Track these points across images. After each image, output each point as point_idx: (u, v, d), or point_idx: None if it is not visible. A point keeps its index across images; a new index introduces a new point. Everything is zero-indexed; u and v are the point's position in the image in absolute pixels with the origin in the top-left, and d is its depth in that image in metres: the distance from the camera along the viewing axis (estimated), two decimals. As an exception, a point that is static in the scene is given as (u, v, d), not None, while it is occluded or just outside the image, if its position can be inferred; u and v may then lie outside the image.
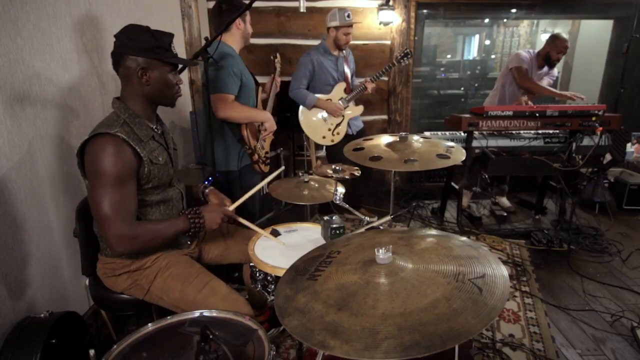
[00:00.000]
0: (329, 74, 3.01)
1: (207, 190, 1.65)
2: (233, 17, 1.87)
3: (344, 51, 3.04)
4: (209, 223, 1.43)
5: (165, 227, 1.36)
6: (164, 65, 1.35)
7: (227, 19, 2.09)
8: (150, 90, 1.35)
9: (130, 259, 1.39)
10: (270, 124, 2.21)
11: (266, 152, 2.33)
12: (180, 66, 1.49)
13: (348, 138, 3.02)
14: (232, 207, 1.57)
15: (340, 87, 3.06)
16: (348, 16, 2.84)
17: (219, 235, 1.71)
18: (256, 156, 2.20)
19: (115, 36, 1.32)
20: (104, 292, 1.46)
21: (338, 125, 3.08)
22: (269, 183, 1.84)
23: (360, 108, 3.17)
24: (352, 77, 3.14)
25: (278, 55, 2.57)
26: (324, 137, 3.09)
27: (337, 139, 3.09)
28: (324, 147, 3.25)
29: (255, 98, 2.28)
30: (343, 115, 3.07)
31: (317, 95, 3.00)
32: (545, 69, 3.27)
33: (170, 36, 1.37)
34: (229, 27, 2.04)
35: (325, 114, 3.05)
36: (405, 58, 3.02)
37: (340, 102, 3.04)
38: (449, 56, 5.72)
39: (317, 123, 3.07)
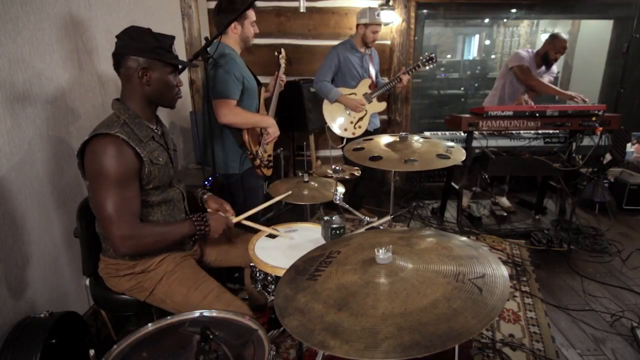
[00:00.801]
0: (354, 69, 3.04)
1: (205, 197, 1.65)
2: (229, 20, 1.86)
3: (369, 50, 3.09)
4: (213, 231, 1.45)
5: (170, 231, 1.36)
6: (165, 66, 1.35)
7: (224, 18, 2.07)
8: (151, 90, 1.35)
9: (134, 261, 1.39)
10: (274, 129, 2.18)
11: (269, 156, 2.30)
12: (180, 67, 1.49)
13: (366, 134, 3.05)
14: (235, 220, 1.57)
15: (366, 82, 3.10)
16: (378, 15, 2.91)
17: (221, 237, 1.70)
18: (258, 161, 2.18)
19: (117, 37, 1.32)
20: (104, 292, 1.46)
21: (360, 119, 3.12)
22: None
23: (383, 104, 3.19)
24: (376, 75, 3.18)
25: (283, 51, 2.52)
26: (345, 130, 3.12)
27: (358, 132, 3.12)
28: (344, 141, 3.23)
29: (258, 99, 2.26)
30: (366, 110, 3.11)
31: (341, 89, 3.02)
32: (544, 68, 3.27)
33: (171, 38, 1.38)
34: (226, 30, 2.03)
35: None
36: (429, 62, 3.01)
37: (363, 97, 3.08)
38: (449, 56, 5.72)
39: (340, 115, 3.11)
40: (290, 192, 1.84)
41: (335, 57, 2.99)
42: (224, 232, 1.49)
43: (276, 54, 2.51)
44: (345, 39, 3.12)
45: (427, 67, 3.05)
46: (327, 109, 3.12)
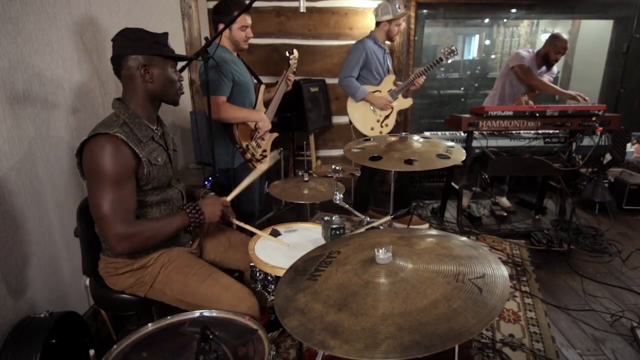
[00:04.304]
0: (379, 64, 2.99)
1: (206, 197, 1.64)
2: (223, 27, 1.87)
3: (387, 48, 3.08)
4: (209, 216, 1.44)
5: (165, 224, 1.36)
6: (164, 61, 1.36)
7: (216, 19, 2.16)
8: (154, 87, 1.35)
9: (132, 259, 1.39)
10: (264, 123, 2.23)
11: (264, 151, 2.32)
12: (179, 62, 1.49)
13: (393, 131, 3.06)
14: (229, 198, 1.56)
15: (390, 79, 3.05)
16: (399, 7, 2.88)
17: (220, 238, 1.71)
18: (248, 155, 2.22)
19: (112, 40, 1.33)
20: (104, 291, 1.46)
21: (387, 117, 3.07)
22: (267, 176, 1.80)
23: (409, 100, 3.15)
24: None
25: (295, 52, 2.47)
26: (372, 129, 3.06)
27: (386, 130, 3.07)
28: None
29: (254, 97, 2.28)
30: (392, 108, 3.07)
31: (368, 88, 2.97)
32: (544, 68, 3.27)
33: (165, 34, 1.38)
34: (218, 30, 2.05)
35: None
36: (451, 55, 2.95)
37: (389, 94, 3.04)
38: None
39: (366, 114, 3.04)
40: (277, 156, 1.81)
41: (362, 50, 2.90)
42: (223, 214, 1.48)
43: (287, 54, 2.48)
44: (345, 38, 3.09)
45: (450, 60, 2.98)
46: (352, 107, 3.03)
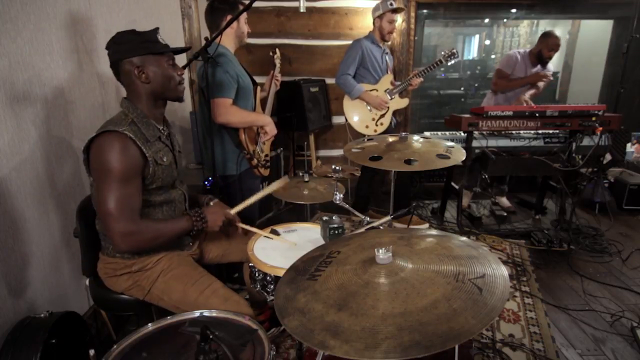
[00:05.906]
0: (376, 63, 3.01)
1: (212, 203, 1.64)
2: (232, 18, 1.85)
3: (386, 48, 3.08)
4: (211, 224, 1.45)
5: (168, 226, 1.36)
6: (158, 58, 1.34)
7: (218, 17, 2.06)
8: (152, 87, 1.35)
9: (131, 260, 1.39)
10: (271, 127, 2.16)
11: (266, 155, 2.29)
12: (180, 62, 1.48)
13: (388, 131, 3.06)
14: (233, 211, 1.57)
15: (387, 78, 3.06)
16: (391, 4, 2.89)
17: (220, 234, 1.71)
18: (255, 161, 2.16)
19: (106, 48, 1.33)
20: (104, 292, 1.46)
21: (382, 116, 3.07)
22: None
23: (406, 101, 3.16)
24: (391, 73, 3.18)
25: (277, 51, 2.51)
26: (367, 127, 3.07)
27: (380, 129, 3.07)
28: (365, 139, 3.22)
29: (253, 99, 2.26)
30: (388, 107, 3.07)
31: (364, 86, 2.98)
32: (539, 66, 3.27)
33: (154, 30, 1.36)
34: (223, 26, 2.01)
35: None
36: (451, 57, 2.94)
37: (386, 93, 3.05)
38: (449, 56, 5.71)
39: (361, 112, 3.06)
40: (286, 180, 1.82)
41: (359, 48, 2.93)
42: (223, 224, 1.49)
43: (271, 54, 2.50)
44: (346, 38, 3.09)
45: (449, 63, 2.97)
46: (348, 104, 3.05)
